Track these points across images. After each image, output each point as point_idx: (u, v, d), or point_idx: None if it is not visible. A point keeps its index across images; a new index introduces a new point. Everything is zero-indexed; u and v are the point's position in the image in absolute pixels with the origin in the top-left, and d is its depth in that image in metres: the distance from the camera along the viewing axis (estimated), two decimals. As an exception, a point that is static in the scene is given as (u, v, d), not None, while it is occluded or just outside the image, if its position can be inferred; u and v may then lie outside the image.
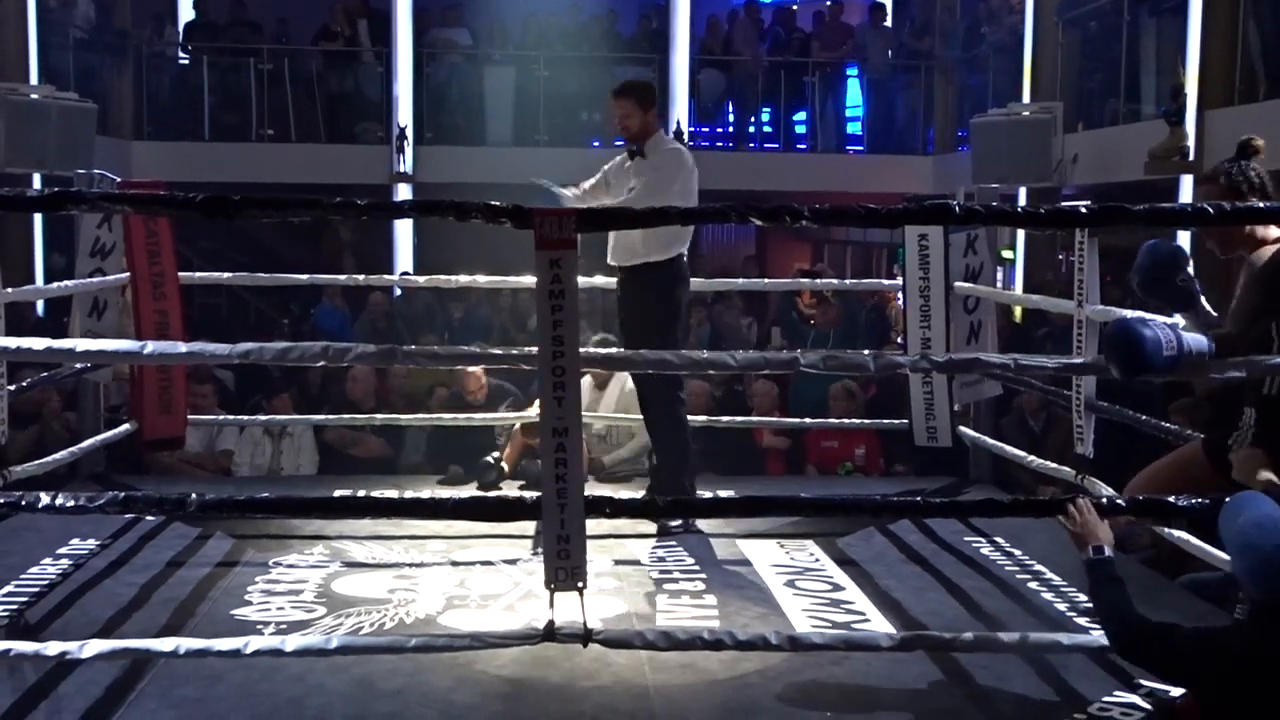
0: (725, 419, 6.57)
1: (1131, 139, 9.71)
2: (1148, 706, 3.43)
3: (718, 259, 16.16)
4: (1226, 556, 3.83)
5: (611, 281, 5.46)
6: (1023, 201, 10.92)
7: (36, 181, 9.97)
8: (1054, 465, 5.32)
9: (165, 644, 3.29)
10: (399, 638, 3.52)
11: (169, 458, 6.35)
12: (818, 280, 10.16)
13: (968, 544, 5.00)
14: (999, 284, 7.43)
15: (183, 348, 3.59)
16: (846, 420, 6.75)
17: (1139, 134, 9.62)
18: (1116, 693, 3.52)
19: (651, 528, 5.07)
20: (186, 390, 5.99)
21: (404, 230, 13.32)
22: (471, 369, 6.34)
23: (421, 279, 7.43)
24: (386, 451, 6.88)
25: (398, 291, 10.76)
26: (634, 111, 5.25)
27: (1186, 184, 9.11)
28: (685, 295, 5.30)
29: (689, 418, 5.45)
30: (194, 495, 3.28)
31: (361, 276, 7.27)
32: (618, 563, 4.71)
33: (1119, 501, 3.57)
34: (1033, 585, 4.50)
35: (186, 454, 6.48)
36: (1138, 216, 3.30)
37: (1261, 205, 3.29)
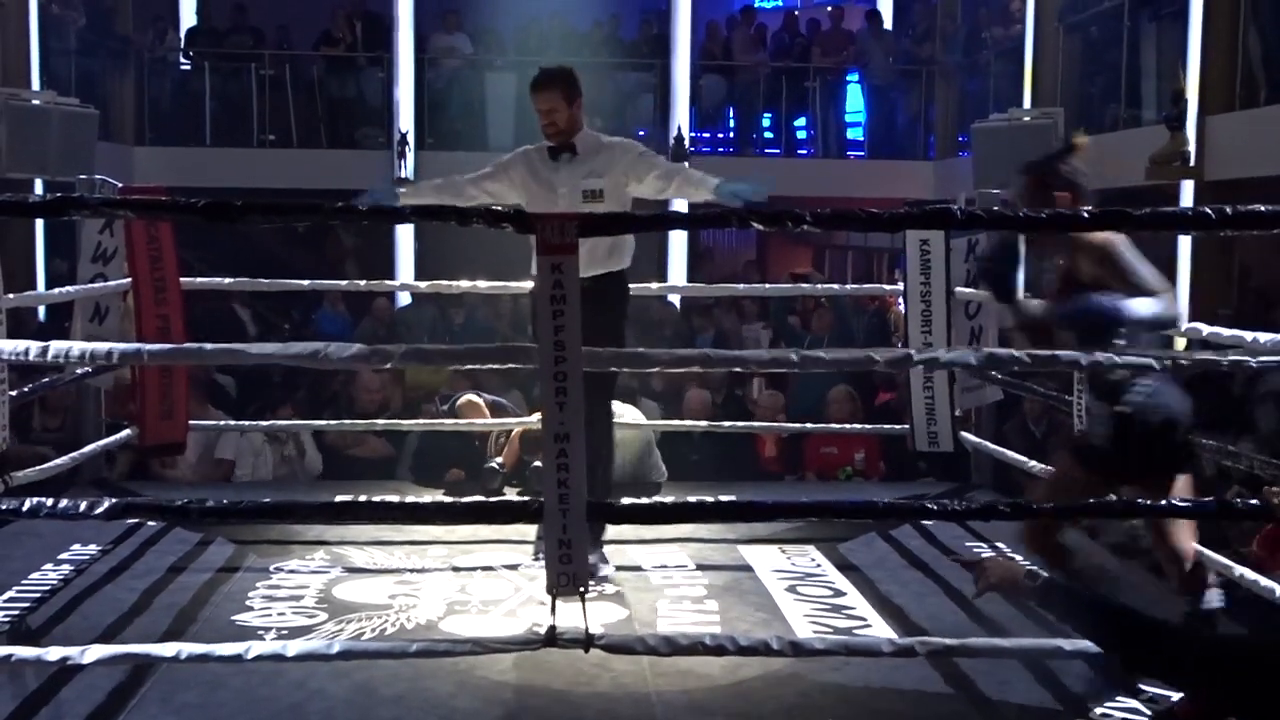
0: (727, 424, 6.58)
1: (1132, 144, 9.70)
2: (1148, 712, 3.43)
3: (725, 264, 16.17)
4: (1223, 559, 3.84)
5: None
6: (1024, 206, 10.89)
7: (38, 187, 9.97)
8: (1055, 470, 5.32)
9: (167, 649, 3.29)
10: (400, 643, 3.52)
11: (170, 464, 6.35)
12: (818, 286, 10.17)
13: (969, 549, 4.99)
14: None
15: (179, 348, 3.59)
16: (848, 425, 6.76)
17: (1140, 139, 9.61)
18: (1117, 698, 3.51)
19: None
20: (189, 396, 5.98)
21: (405, 236, 13.32)
22: (474, 401, 6.27)
23: (423, 284, 7.40)
24: (388, 451, 6.87)
25: (406, 299, 10.76)
26: (560, 105, 4.60)
27: (1187, 189, 9.11)
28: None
29: (690, 423, 5.40)
30: (195, 501, 3.29)
31: (363, 282, 7.28)
32: (619, 568, 4.70)
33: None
34: (1034, 590, 4.49)
35: (188, 460, 6.46)
36: (1139, 220, 3.30)
37: (1262, 210, 3.21)
